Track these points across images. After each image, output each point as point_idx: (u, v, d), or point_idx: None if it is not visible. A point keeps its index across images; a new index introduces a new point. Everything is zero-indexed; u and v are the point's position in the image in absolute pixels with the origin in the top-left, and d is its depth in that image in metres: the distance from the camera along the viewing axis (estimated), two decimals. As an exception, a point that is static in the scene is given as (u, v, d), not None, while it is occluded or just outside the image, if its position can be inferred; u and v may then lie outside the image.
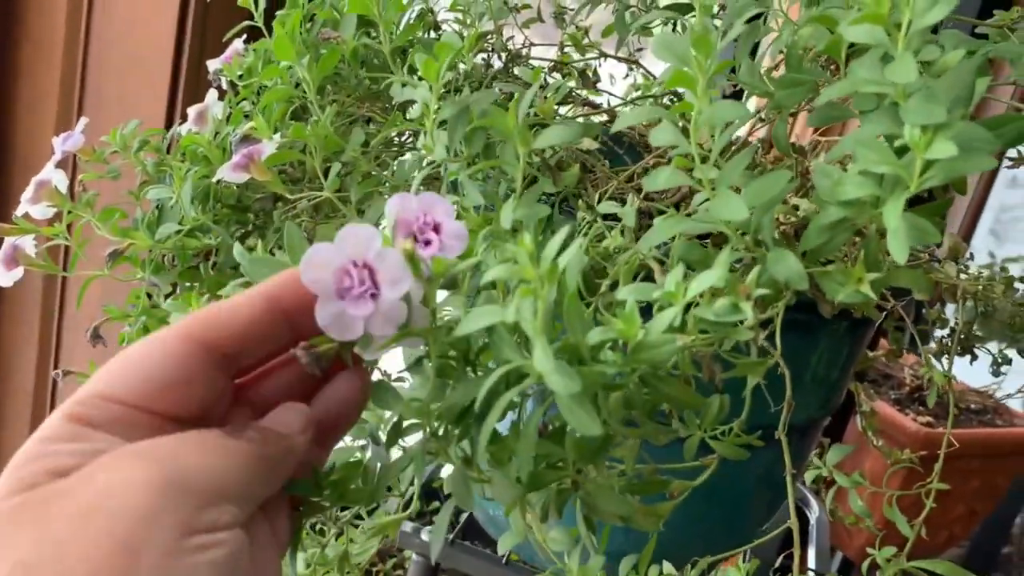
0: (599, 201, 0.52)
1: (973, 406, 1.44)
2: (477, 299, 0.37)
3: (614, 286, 0.45)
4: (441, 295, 0.36)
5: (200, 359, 0.33)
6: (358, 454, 0.39)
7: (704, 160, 0.37)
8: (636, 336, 0.31)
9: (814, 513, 0.93)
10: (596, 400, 0.30)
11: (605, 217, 0.51)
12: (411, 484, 0.53)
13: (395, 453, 0.38)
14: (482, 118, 0.49)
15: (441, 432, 0.34)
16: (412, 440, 0.37)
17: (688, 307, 0.32)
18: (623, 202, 0.54)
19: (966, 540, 1.57)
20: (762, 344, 0.44)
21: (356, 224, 0.32)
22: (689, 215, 0.40)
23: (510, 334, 0.31)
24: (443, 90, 0.48)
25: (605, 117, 0.75)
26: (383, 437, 0.37)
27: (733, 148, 0.60)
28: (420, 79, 0.51)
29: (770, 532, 1.07)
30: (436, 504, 1.17)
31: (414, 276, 0.32)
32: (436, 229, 0.35)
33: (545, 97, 0.59)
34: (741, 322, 0.32)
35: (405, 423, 0.35)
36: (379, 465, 0.38)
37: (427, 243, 0.35)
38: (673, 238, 0.41)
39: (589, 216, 0.50)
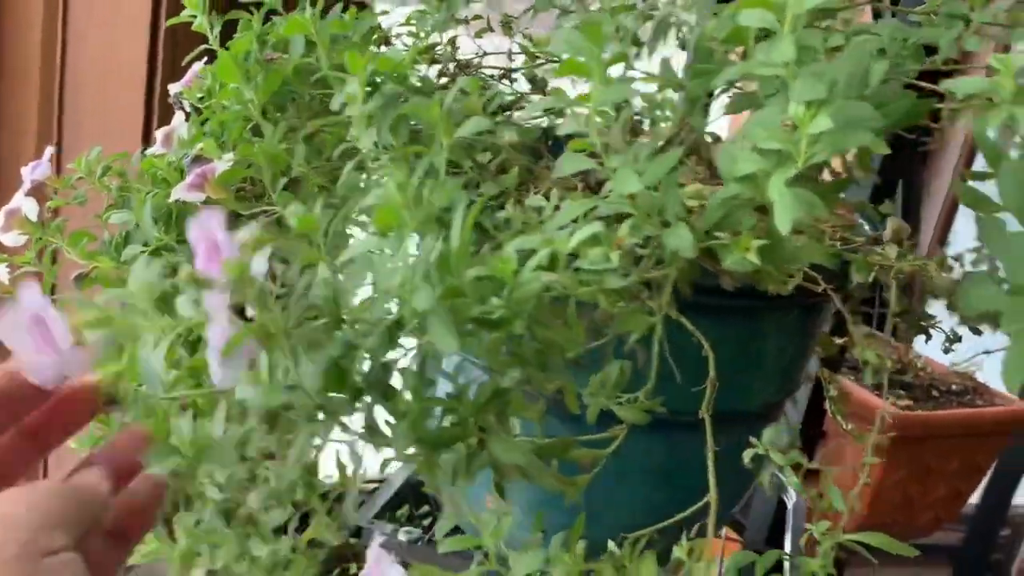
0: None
1: (955, 387, 1.45)
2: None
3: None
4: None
5: None
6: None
7: (607, 147, 0.38)
8: (511, 276, 0.33)
9: (791, 499, 0.94)
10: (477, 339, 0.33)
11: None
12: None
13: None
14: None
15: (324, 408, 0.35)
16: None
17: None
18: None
19: (952, 522, 1.57)
20: (686, 324, 0.45)
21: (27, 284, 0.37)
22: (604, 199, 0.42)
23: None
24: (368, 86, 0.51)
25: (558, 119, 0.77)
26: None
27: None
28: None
29: (748, 517, 1.08)
30: (426, 508, 1.18)
31: (212, 291, 0.35)
32: (218, 243, 0.37)
33: (488, 101, 0.61)
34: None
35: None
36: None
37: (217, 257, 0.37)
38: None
39: (519, 211, 0.52)
